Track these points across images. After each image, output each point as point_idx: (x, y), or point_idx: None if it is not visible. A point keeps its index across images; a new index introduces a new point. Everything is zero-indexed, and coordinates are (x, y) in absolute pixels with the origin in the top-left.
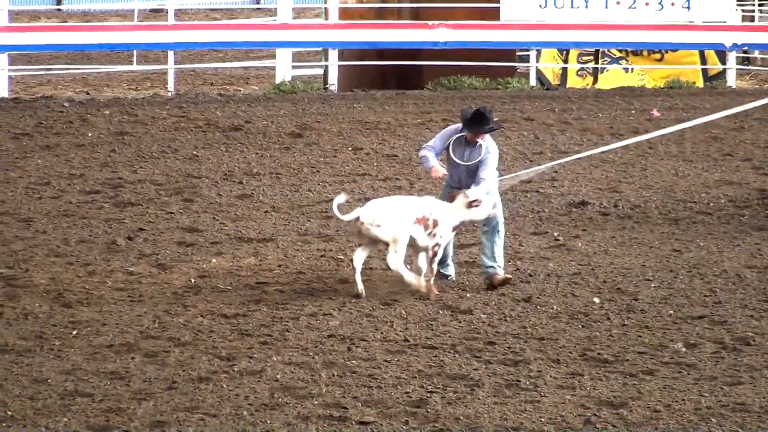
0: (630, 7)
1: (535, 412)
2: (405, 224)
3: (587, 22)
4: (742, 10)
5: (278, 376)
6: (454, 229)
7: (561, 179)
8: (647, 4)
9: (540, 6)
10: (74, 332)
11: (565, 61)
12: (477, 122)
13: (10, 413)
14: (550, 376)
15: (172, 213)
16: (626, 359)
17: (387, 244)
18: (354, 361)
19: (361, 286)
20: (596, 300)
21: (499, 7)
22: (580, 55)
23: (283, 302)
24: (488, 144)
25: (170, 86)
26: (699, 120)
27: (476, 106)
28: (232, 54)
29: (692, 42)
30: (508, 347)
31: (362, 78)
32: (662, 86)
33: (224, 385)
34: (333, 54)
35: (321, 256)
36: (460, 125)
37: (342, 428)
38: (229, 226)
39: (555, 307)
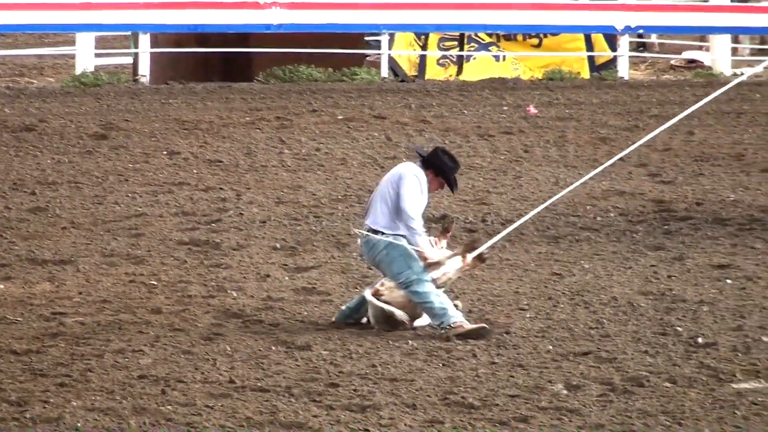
0: None
1: None
2: None
3: (450, 1)
4: None
5: (79, 425)
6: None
7: None
8: None
9: None
10: None
11: (424, 47)
12: None
13: None
14: (405, 424)
15: None
16: (496, 404)
17: None
18: (169, 407)
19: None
20: None
21: None
22: (441, 39)
23: (84, 336)
24: None
25: None
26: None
27: (434, 146)
28: (23, 39)
29: (576, 24)
30: (354, 390)
31: (179, 68)
32: (540, 77)
33: None
34: (144, 39)
35: (130, 281)
36: (419, 167)
37: None
38: (19, 246)
39: (410, 342)
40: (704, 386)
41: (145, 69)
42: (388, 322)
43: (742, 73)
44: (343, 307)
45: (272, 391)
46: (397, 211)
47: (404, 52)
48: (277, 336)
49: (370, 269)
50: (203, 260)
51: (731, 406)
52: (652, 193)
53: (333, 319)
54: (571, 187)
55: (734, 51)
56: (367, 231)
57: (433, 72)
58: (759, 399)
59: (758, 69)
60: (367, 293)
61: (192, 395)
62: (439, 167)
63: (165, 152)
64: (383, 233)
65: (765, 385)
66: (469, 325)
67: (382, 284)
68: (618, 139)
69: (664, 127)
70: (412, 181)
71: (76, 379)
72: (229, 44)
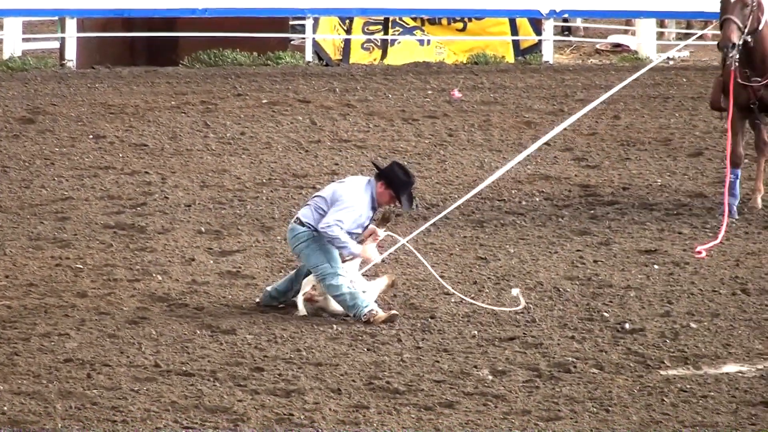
0: None
1: None
2: None
3: None
4: None
5: (5, 408)
6: None
7: (342, 172)
8: None
9: None
10: None
11: (348, 32)
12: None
13: None
14: (330, 409)
15: None
16: (421, 389)
17: None
18: (95, 391)
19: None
20: None
21: None
22: (366, 24)
23: (10, 320)
24: None
25: None
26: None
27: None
28: None
29: (501, 8)
30: (279, 374)
31: (106, 52)
32: (465, 61)
33: None
34: (71, 24)
35: (56, 264)
36: (369, 181)
37: None
38: None
39: (335, 326)
40: (632, 372)
41: (71, 53)
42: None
43: (669, 59)
44: (269, 288)
45: (197, 376)
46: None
47: (329, 36)
48: (202, 320)
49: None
50: (129, 244)
51: (659, 393)
52: (578, 178)
53: (258, 300)
54: (514, 161)
55: (660, 35)
56: (295, 220)
57: (358, 56)
58: (687, 386)
59: (674, 51)
60: (300, 300)
61: (117, 379)
62: (390, 179)
63: (91, 136)
64: (310, 226)
65: (693, 372)
66: (381, 314)
67: (314, 288)
68: (543, 123)
69: (591, 106)
70: (346, 206)
71: (3, 362)
72: (156, 28)
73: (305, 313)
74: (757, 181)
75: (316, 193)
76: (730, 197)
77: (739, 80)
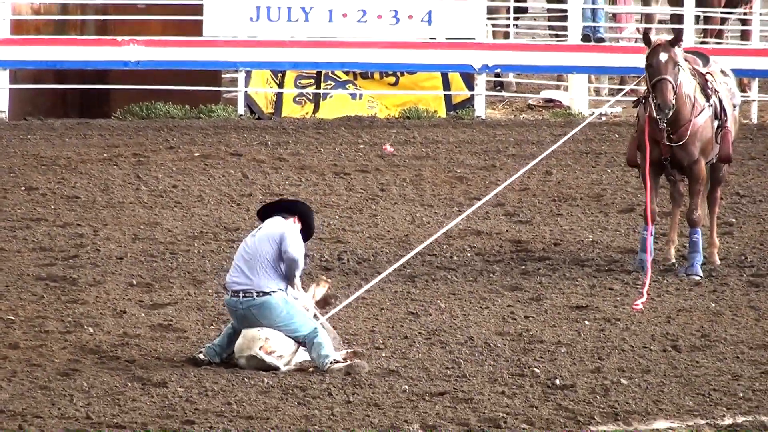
0: (359, 21)
1: None
2: None
3: (307, 39)
4: (493, 25)
5: None
6: None
7: None
8: (380, 17)
9: (251, 19)
10: None
11: (280, 85)
12: None
13: None
14: None
15: None
16: None
17: None
18: None
19: None
20: None
21: (202, 21)
22: (298, 77)
23: None
24: None
25: None
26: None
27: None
28: None
29: (433, 63)
30: (210, 427)
31: (38, 104)
32: (397, 116)
33: None
34: (3, 75)
35: None
36: (286, 218)
37: None
38: None
39: (266, 380)
40: (562, 428)
41: (3, 105)
42: (258, 367)
43: (601, 114)
44: (211, 344)
45: (128, 428)
46: (279, 263)
47: (261, 89)
48: (133, 372)
49: (225, 307)
50: (60, 296)
51: None
52: (509, 233)
53: (201, 354)
54: (469, 211)
55: (592, 90)
56: (256, 295)
57: (290, 109)
58: None
59: (605, 108)
60: (264, 355)
61: (49, 431)
62: (303, 213)
63: (23, 188)
64: (276, 291)
65: (623, 428)
66: (340, 364)
67: (266, 340)
68: (475, 178)
69: (529, 167)
70: (296, 235)
71: None
72: (88, 80)
73: (283, 368)
74: (671, 233)
75: (244, 256)
76: (644, 253)
77: (654, 137)
